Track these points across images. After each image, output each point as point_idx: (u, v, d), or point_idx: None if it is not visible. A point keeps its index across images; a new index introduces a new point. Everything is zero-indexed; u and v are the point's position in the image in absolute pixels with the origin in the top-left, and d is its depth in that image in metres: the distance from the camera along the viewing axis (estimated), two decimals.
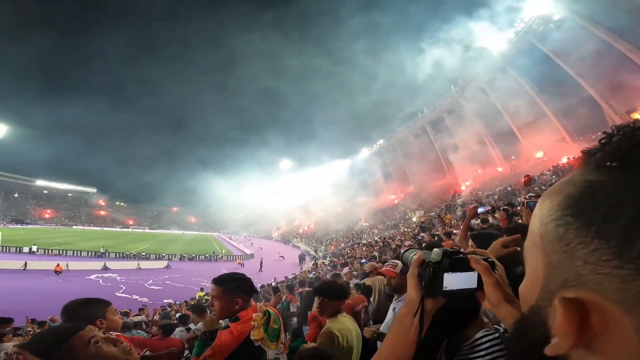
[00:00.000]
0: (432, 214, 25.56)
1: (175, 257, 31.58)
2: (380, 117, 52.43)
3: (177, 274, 24.04)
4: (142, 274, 22.68)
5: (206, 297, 14.36)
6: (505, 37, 30.58)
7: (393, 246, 15.33)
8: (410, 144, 45.61)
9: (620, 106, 22.23)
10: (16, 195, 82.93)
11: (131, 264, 25.85)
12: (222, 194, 78.63)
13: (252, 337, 1.52)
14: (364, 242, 28.41)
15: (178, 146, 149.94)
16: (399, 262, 1.99)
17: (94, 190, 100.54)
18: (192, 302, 13.66)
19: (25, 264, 20.67)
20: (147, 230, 78.41)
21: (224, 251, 39.14)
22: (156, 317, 9.16)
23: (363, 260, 9.78)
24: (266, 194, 79.94)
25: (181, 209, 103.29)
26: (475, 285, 0.64)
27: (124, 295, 16.23)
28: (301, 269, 26.65)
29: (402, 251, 0.83)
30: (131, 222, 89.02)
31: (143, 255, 30.87)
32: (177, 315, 8.12)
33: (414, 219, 29.85)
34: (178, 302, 12.93)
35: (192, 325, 5.91)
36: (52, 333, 1.05)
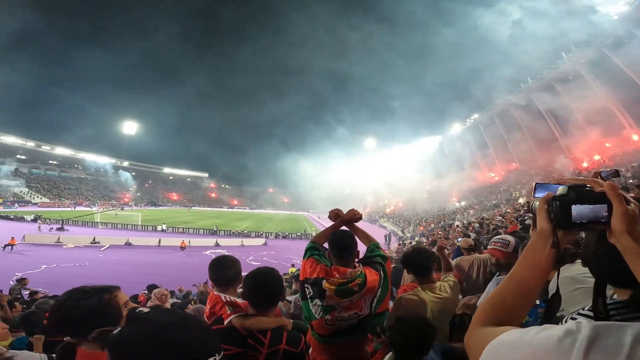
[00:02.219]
0: None
1: (271, 235, 34.74)
2: (473, 90, 47.07)
3: (272, 250, 26.39)
4: (244, 250, 25.59)
5: (298, 272, 15.47)
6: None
7: (491, 227, 13.83)
8: (513, 116, 40.23)
9: None
10: (150, 181, 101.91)
11: (236, 241, 29.39)
12: (309, 174, 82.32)
13: (323, 286, 1.70)
14: (457, 223, 26.49)
15: (267, 130, 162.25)
16: (511, 240, 1.98)
17: (206, 174, 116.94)
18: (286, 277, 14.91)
19: (160, 241, 25.51)
20: (247, 210, 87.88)
21: (314, 230, 41.37)
22: None
23: (460, 239, 9.10)
24: (352, 174, 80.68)
25: (275, 189, 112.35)
26: (605, 217, 0.64)
27: None
28: (388, 248, 26.41)
29: (532, 203, 0.83)
30: (235, 203, 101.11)
31: (245, 233, 34.82)
32: None
33: (521, 199, 26.43)
34: None
35: (288, 298, 6.41)
36: None
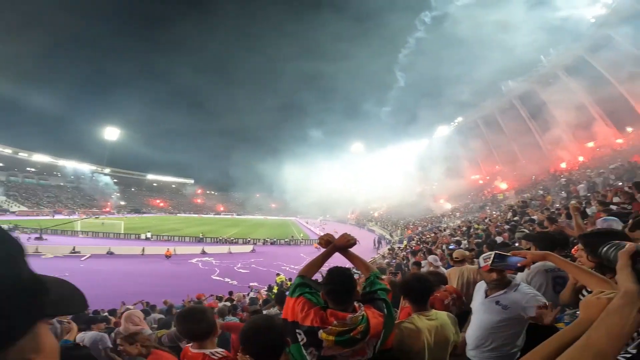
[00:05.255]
0: (526, 194, 22.64)
1: (259, 242, 34.26)
2: (457, 93, 47.99)
3: (261, 257, 25.99)
4: (232, 258, 25.14)
5: (288, 281, 15.19)
6: (602, 2, 27.73)
7: (478, 231, 13.89)
8: (496, 119, 41.43)
9: None
10: (133, 189, 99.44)
11: (223, 248, 28.78)
12: (295, 179, 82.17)
13: (320, 336, 1.46)
14: (444, 225, 26.80)
15: (249, 135, 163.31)
16: (492, 255, 1.85)
17: (191, 181, 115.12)
18: (276, 289, 14.60)
19: (143, 249, 24.74)
20: (235, 216, 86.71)
21: (302, 235, 41.09)
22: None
23: (452, 246, 9.05)
24: (340, 179, 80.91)
25: (263, 195, 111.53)
26: None
27: (218, 278, 18.13)
28: (377, 253, 26.50)
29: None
30: (221, 209, 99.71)
31: (233, 240, 34.21)
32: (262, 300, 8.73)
33: (507, 201, 26.98)
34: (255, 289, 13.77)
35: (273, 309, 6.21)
36: None
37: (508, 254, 1.57)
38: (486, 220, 17.24)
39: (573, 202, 4.13)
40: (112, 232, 33.91)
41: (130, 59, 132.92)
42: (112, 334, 3.73)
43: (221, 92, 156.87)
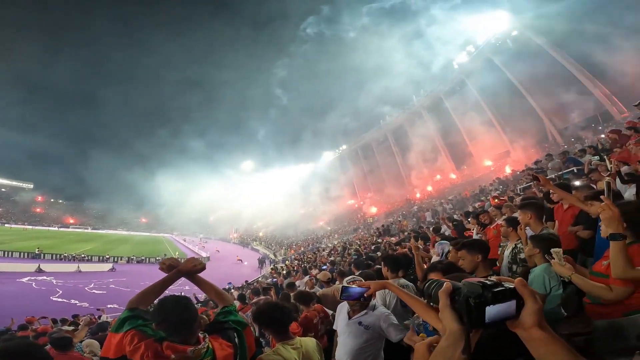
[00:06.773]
0: (390, 219, 26.45)
1: (122, 260, 29.51)
2: (344, 121, 51.69)
3: (124, 277, 22.52)
4: (82, 277, 21.06)
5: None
6: (467, 51, 32.10)
7: (351, 251, 15.43)
8: (372, 150, 47.04)
9: (560, 122, 24.12)
10: None
11: (70, 267, 23.82)
12: (174, 193, 74.90)
13: None
14: (324, 246, 28.67)
15: (118, 138, 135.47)
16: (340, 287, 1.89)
17: (30, 185, 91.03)
18: None
19: None
20: (90, 231, 72.28)
21: (177, 253, 37.25)
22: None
23: (324, 267, 9.79)
24: (225, 196, 77.52)
25: (129, 208, 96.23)
26: (514, 313, 0.65)
27: (60, 299, 14.91)
28: (261, 272, 26.27)
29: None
30: (71, 221, 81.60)
31: (84, 257, 28.45)
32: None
33: (376, 224, 30.69)
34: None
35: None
36: None
37: (354, 285, 1.63)
38: (358, 242, 19.33)
39: (412, 241, 5.13)
40: None
41: None
42: None
43: (78, 79, 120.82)
